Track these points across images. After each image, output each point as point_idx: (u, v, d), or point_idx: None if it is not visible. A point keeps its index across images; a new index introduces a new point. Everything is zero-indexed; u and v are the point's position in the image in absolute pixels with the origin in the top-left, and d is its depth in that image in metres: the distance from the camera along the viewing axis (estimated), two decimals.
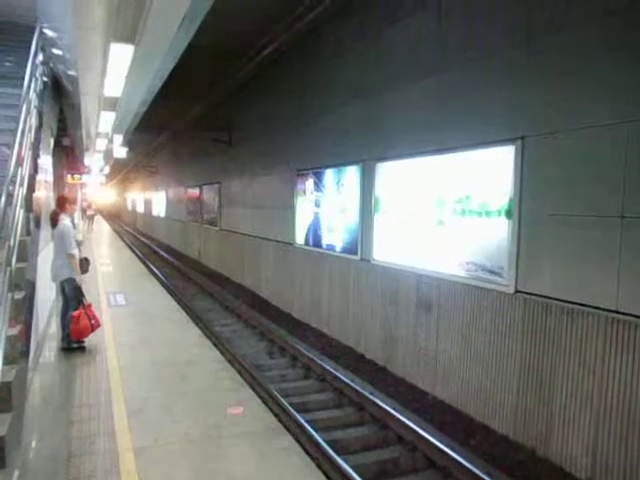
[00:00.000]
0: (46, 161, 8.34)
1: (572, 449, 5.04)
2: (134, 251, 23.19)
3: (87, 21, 6.11)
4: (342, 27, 9.39)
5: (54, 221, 6.46)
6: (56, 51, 7.34)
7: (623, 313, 4.53)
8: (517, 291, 5.67)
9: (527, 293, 5.55)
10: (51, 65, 8.11)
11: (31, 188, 5.21)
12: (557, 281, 5.21)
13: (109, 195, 63.08)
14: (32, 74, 5.75)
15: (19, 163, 4.32)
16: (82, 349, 6.38)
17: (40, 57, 6.77)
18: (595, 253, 4.81)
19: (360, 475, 4.71)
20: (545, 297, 5.33)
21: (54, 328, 7.09)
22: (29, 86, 5.43)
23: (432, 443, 5.32)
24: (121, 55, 6.84)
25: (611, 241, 4.64)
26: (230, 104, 15.95)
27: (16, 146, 4.31)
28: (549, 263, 5.31)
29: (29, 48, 6.16)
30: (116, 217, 61.22)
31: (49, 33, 6.68)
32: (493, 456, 5.40)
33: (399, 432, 5.79)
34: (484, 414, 6.13)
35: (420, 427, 5.65)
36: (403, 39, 7.65)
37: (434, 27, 6.97)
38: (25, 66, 5.70)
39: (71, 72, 8.32)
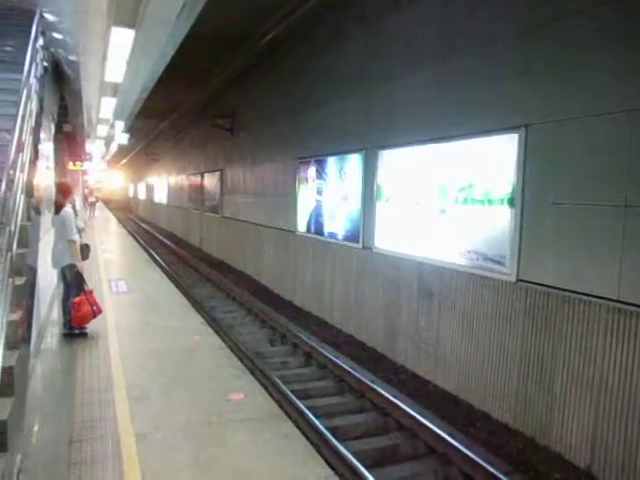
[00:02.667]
0: (47, 147, 8.31)
1: (572, 437, 5.05)
2: (135, 238, 23.20)
3: (87, 5, 6.05)
4: (344, 13, 9.29)
5: (58, 209, 6.45)
6: (56, 35, 7.27)
7: (625, 302, 4.52)
8: (519, 280, 5.65)
9: (529, 282, 5.54)
10: (52, 50, 8.03)
11: (32, 174, 5.19)
12: (559, 270, 5.20)
13: (115, 182, 56.14)
14: (32, 59, 5.70)
15: (19, 149, 4.29)
16: (84, 335, 6.39)
17: (40, 41, 6.70)
18: (597, 242, 4.79)
19: (360, 461, 4.74)
20: (547, 286, 5.31)
21: (56, 314, 7.11)
22: (29, 71, 5.38)
23: (432, 430, 5.34)
24: (122, 40, 6.78)
25: (614, 230, 4.61)
26: (232, 91, 15.86)
27: (16, 132, 4.27)
28: (551, 252, 5.29)
29: (29, 32, 6.10)
30: (127, 210, 50.08)
31: (49, 17, 6.61)
32: (493, 444, 5.43)
33: (399, 419, 5.81)
34: (484, 402, 6.15)
35: (420, 414, 5.68)
36: (405, 26, 7.57)
37: (437, 14, 6.90)
38: (25, 51, 5.64)
39: (72, 57, 8.25)
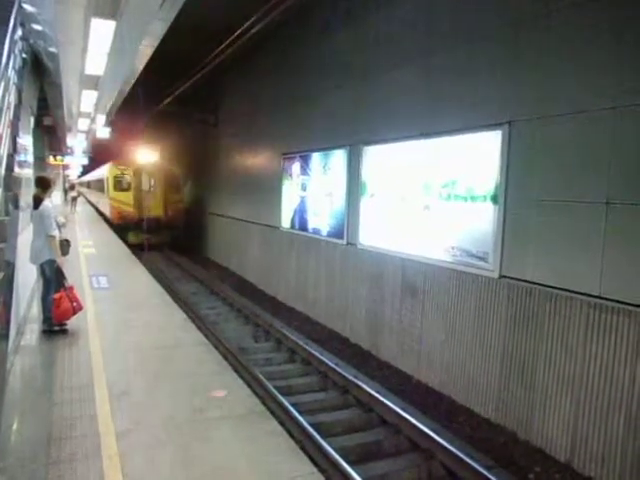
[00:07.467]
0: (26, 140, 8.14)
1: (552, 432, 5.11)
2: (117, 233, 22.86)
3: None
4: (330, 8, 9.24)
5: (37, 203, 6.31)
6: (36, 26, 7.11)
7: (605, 298, 4.58)
8: (501, 276, 5.69)
9: (511, 278, 5.58)
10: (31, 41, 7.86)
11: (10, 168, 5.07)
12: (541, 266, 5.24)
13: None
14: (11, 50, 5.56)
15: None
16: (64, 332, 6.28)
17: (19, 32, 6.55)
18: (579, 239, 4.84)
19: (344, 457, 4.74)
20: (529, 282, 5.36)
21: (35, 311, 6.98)
22: (7, 63, 5.25)
23: (415, 426, 5.36)
24: (102, 31, 6.66)
25: (596, 227, 4.67)
26: (216, 85, 15.72)
27: None
28: (534, 248, 5.33)
29: (7, 23, 5.95)
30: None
31: (28, 8, 6.46)
32: (475, 439, 5.47)
33: (383, 415, 5.83)
34: (467, 398, 6.19)
35: (403, 410, 5.69)
36: (391, 22, 7.56)
37: (423, 11, 6.89)
38: (3, 42, 5.50)
39: (52, 49, 8.08)
